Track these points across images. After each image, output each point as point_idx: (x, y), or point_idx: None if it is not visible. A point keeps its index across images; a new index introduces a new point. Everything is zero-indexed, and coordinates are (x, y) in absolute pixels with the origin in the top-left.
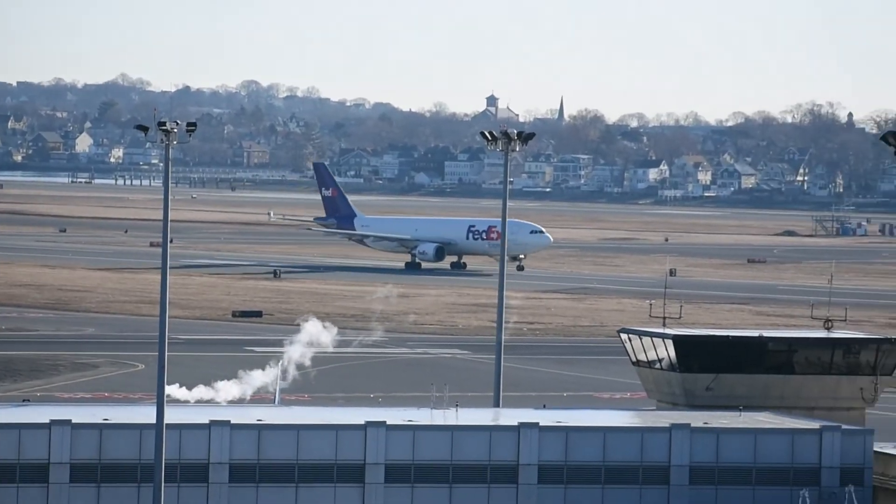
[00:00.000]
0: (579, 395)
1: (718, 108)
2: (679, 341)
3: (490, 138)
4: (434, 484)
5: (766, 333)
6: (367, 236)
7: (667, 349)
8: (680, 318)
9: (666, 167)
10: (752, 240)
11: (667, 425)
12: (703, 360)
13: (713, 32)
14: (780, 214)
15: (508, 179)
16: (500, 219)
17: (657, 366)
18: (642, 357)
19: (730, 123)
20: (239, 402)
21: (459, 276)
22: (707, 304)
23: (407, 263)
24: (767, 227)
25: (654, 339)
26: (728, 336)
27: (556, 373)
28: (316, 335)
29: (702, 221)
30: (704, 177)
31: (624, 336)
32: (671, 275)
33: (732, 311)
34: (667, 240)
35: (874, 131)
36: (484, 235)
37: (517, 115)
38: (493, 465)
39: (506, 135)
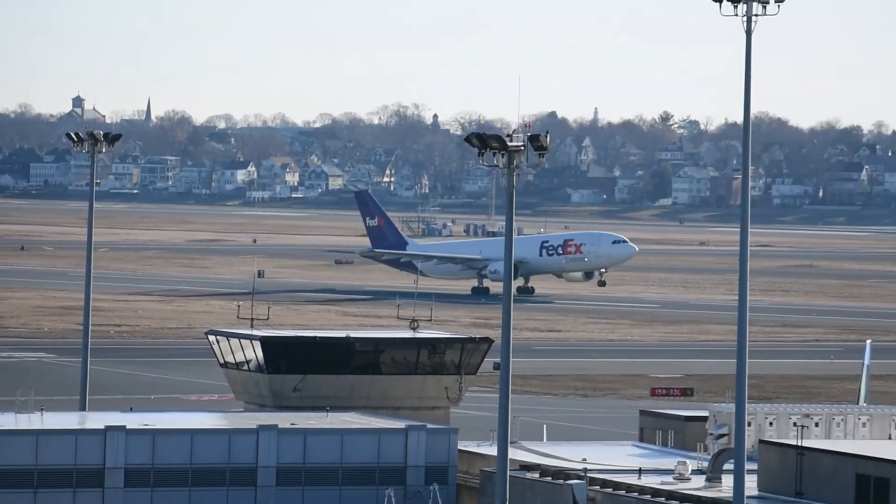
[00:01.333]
0: (167, 397)
1: (305, 110)
2: (266, 343)
3: (76, 140)
4: (17, 490)
5: (353, 334)
6: (431, 258)
7: (254, 350)
8: (268, 319)
9: (254, 168)
10: (340, 241)
11: (254, 427)
12: (291, 361)
13: (301, 30)
14: None
15: (95, 181)
16: (577, 232)
17: (245, 367)
18: (230, 359)
19: (317, 125)
20: None
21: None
22: (295, 305)
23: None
24: (355, 228)
25: (241, 340)
26: (315, 337)
27: (144, 375)
28: None
29: (290, 223)
30: (292, 178)
31: (212, 338)
32: (259, 276)
33: (320, 312)
34: (255, 241)
35: (459, 132)
36: (560, 250)
37: (104, 117)
38: (79, 469)
39: (92, 136)
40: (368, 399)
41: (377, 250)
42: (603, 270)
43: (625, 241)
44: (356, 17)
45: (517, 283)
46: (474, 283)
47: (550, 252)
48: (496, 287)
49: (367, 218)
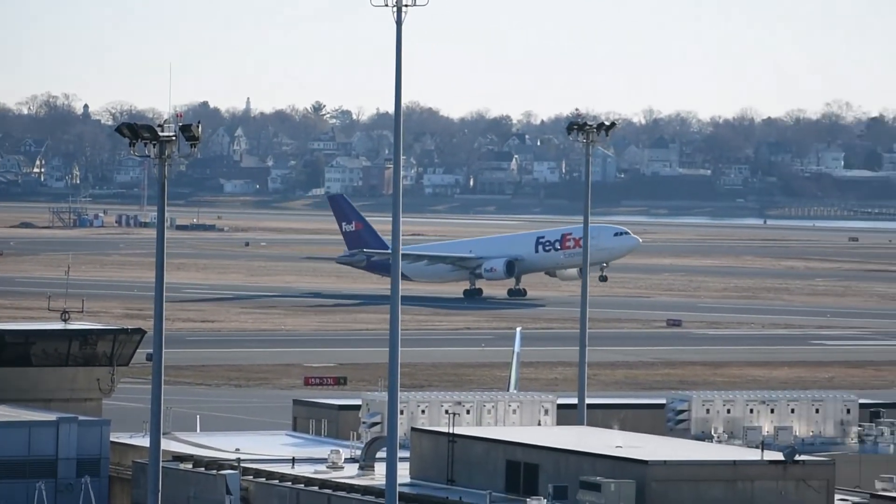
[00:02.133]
0: None
1: None
2: None
3: None
4: None
5: (2, 326)
6: (422, 257)
7: None
8: None
9: None
10: None
11: None
12: None
13: None
14: (16, 206)
15: None
16: (576, 226)
17: None
18: None
19: None
20: None
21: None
22: None
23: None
24: (4, 219)
25: None
26: None
27: None
28: None
29: None
30: None
31: None
32: None
33: None
34: None
35: (110, 123)
36: (558, 245)
37: None
38: None
39: None
40: (19, 392)
41: (366, 250)
42: (604, 265)
43: (627, 233)
44: (4, 5)
45: (509, 284)
46: (465, 285)
47: (547, 248)
48: (490, 290)
49: (344, 223)
